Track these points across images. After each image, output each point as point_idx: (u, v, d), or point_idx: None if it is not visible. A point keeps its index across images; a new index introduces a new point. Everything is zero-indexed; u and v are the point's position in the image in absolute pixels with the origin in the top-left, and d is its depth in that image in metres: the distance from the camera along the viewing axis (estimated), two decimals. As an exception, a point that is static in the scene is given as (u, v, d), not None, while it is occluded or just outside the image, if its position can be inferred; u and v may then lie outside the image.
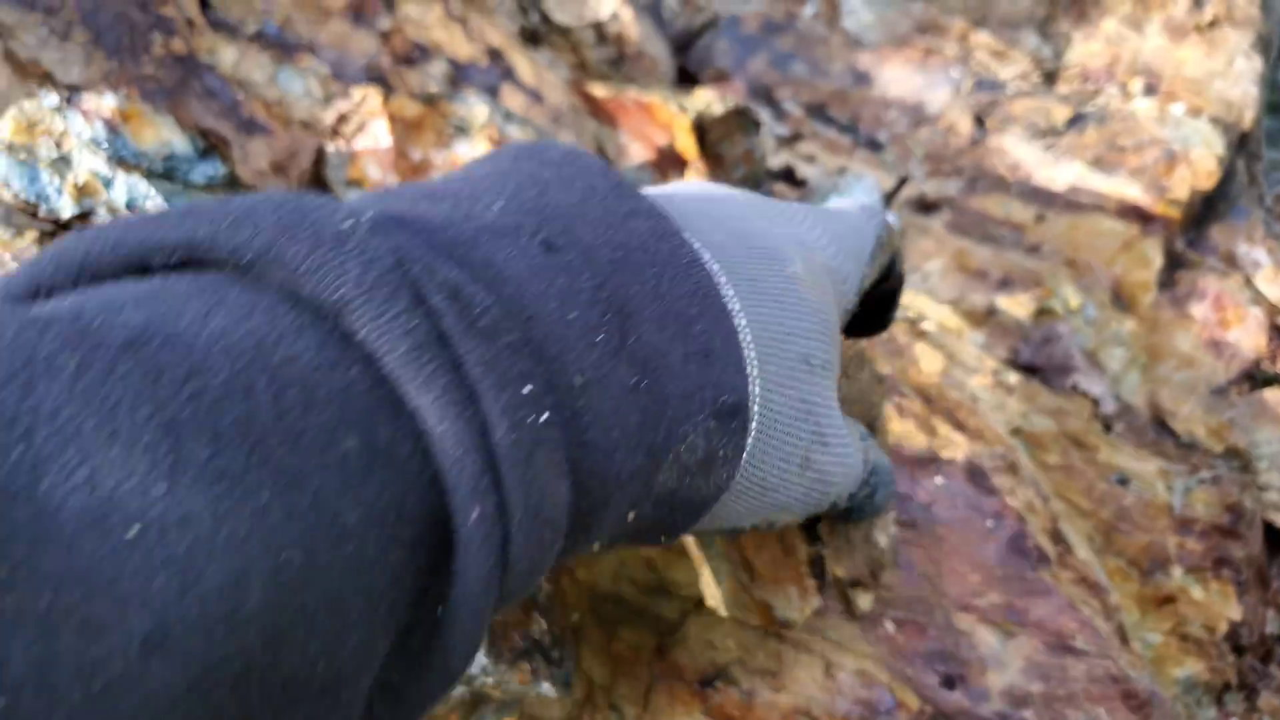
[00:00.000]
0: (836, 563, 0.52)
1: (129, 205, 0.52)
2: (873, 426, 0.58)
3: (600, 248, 0.24)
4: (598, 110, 0.76)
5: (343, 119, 0.60)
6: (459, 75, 0.76)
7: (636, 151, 0.73)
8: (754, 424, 0.28)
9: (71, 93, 0.53)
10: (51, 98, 0.53)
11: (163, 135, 0.54)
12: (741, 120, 0.68)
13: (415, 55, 0.76)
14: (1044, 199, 0.91)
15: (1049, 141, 0.94)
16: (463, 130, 0.62)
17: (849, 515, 0.42)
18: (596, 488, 0.23)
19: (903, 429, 0.65)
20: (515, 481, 0.20)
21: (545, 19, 0.86)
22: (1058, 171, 0.93)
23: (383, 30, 0.76)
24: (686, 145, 0.67)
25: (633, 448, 0.24)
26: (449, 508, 0.20)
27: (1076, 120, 0.95)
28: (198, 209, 0.20)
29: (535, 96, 0.77)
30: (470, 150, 0.62)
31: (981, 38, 0.95)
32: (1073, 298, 0.85)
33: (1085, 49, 0.97)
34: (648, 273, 0.25)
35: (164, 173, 0.53)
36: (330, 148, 0.60)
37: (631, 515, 0.26)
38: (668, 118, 0.68)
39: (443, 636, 0.20)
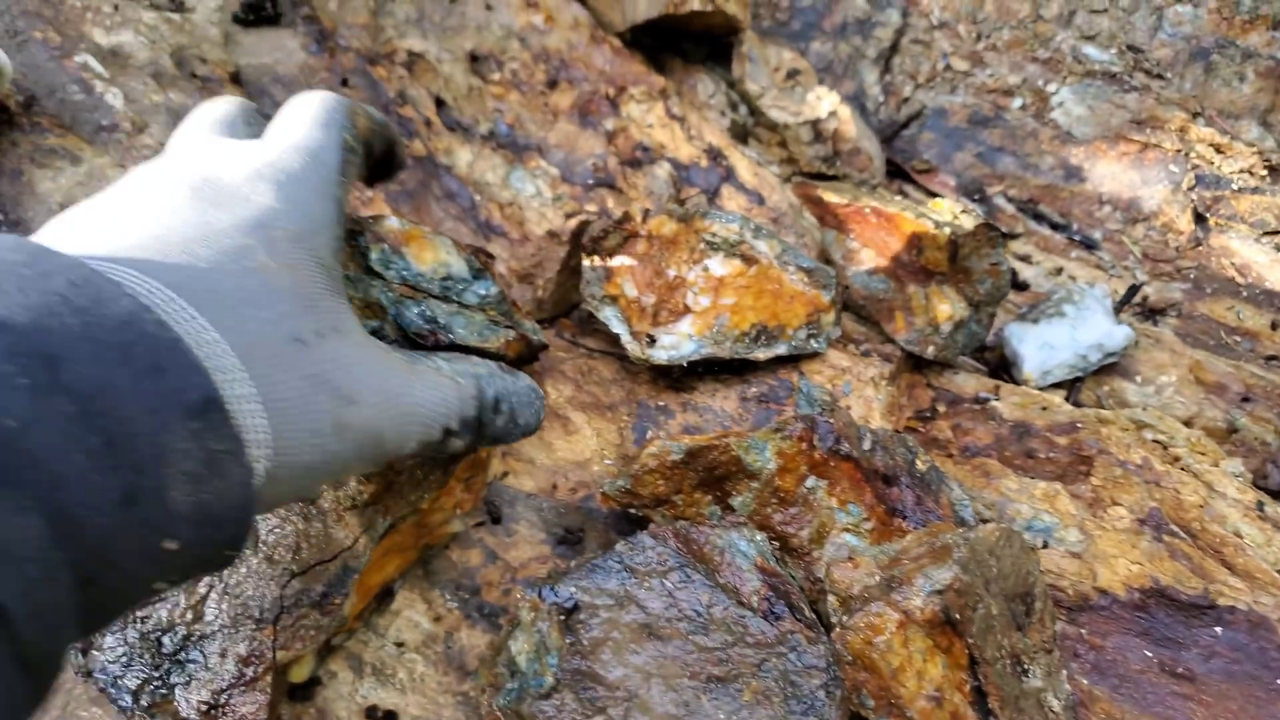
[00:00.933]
0: None
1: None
2: (1030, 594, 0.55)
3: (14, 317, 0.25)
4: (824, 214, 0.74)
5: (603, 235, 0.59)
6: (681, 177, 0.76)
7: (867, 257, 0.71)
8: (247, 417, 0.30)
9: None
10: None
11: (441, 256, 0.54)
12: (989, 233, 0.65)
13: (640, 156, 0.75)
14: (1279, 304, 0.85)
15: (1279, 241, 0.88)
16: (714, 247, 0.60)
17: (482, 441, 0.42)
18: (77, 508, 0.25)
19: (1175, 570, 0.60)
20: None
21: (755, 114, 0.85)
22: (1290, 273, 0.86)
23: (608, 131, 0.76)
24: (937, 259, 0.64)
25: (110, 467, 0.25)
26: None
27: (1306, 218, 0.89)
28: None
29: (757, 198, 0.75)
30: (720, 267, 0.61)
31: (1202, 131, 0.90)
32: (1318, 414, 0.79)
33: (1311, 141, 0.92)
34: (73, 319, 0.26)
35: (440, 293, 0.52)
36: (586, 263, 0.60)
37: (173, 544, 0.28)
38: (913, 229, 0.65)
39: None
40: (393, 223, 0.54)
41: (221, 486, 0.29)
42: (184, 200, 0.34)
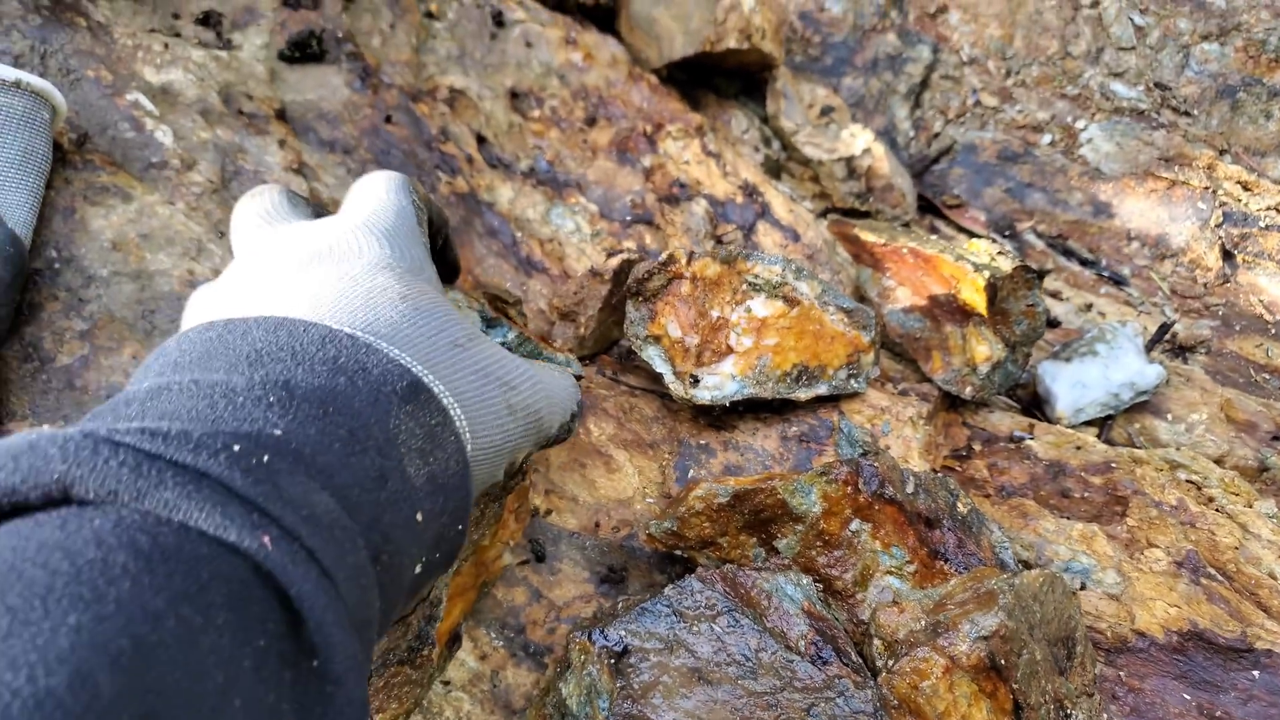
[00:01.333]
0: None
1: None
2: (1071, 639, 0.55)
3: (238, 365, 0.30)
4: (860, 252, 0.75)
5: (647, 277, 0.60)
6: (718, 213, 0.76)
7: (903, 296, 0.71)
8: (449, 401, 0.35)
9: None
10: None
11: None
12: (1026, 275, 0.65)
13: (677, 193, 0.76)
14: (1305, 341, 0.86)
15: (1305, 278, 0.88)
16: (756, 288, 0.61)
17: (566, 436, 0.49)
18: (350, 489, 0.29)
19: (1212, 613, 0.61)
20: (273, 497, 0.25)
21: (788, 150, 0.86)
22: (1317, 311, 0.87)
23: (646, 167, 0.77)
24: (975, 300, 0.65)
25: (359, 451, 0.30)
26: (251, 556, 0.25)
27: (1333, 255, 0.89)
28: None
29: (792, 234, 0.76)
30: (763, 308, 0.61)
31: (1229, 168, 0.90)
32: (1349, 452, 0.79)
33: (1338, 178, 0.92)
34: (283, 353, 0.31)
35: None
36: (629, 304, 0.60)
37: (420, 516, 0.32)
38: (953, 271, 0.66)
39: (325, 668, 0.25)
40: None
41: (443, 457, 0.34)
42: (314, 265, 0.38)
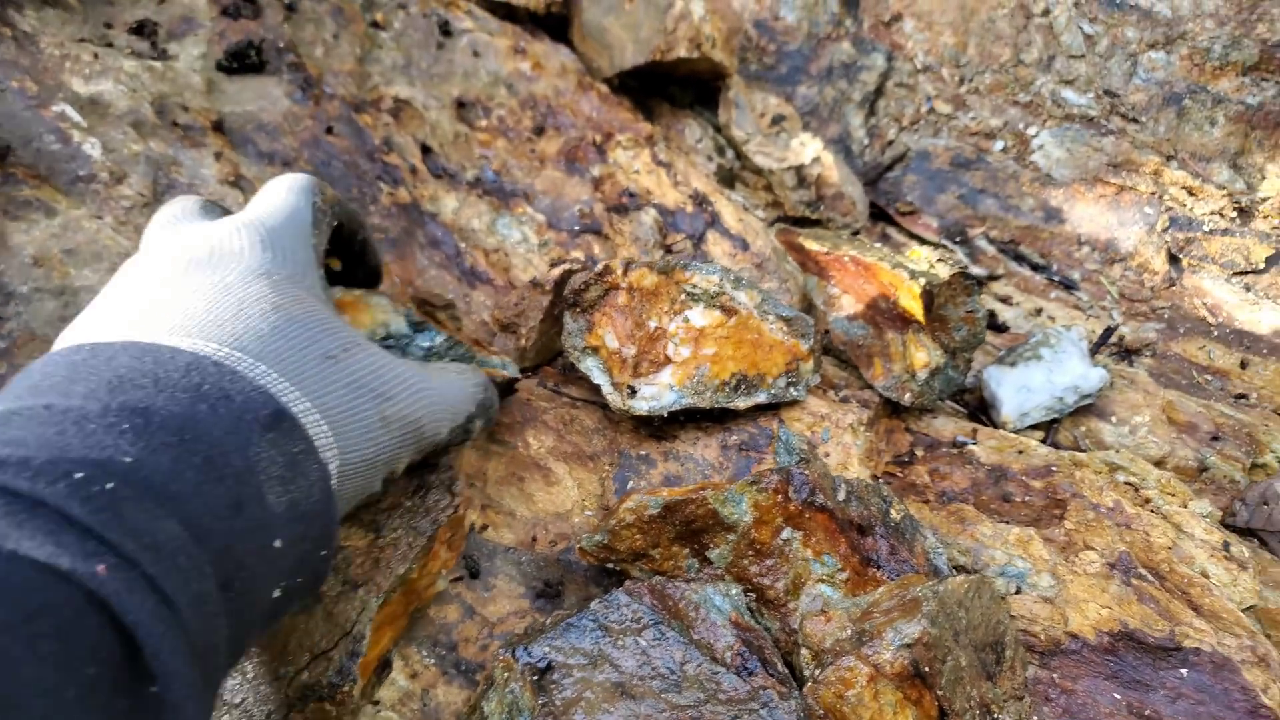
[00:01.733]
0: None
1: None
2: (1000, 643, 0.56)
3: (97, 391, 0.30)
4: (806, 260, 0.75)
5: (584, 288, 0.60)
6: (667, 222, 0.77)
7: (847, 303, 0.72)
8: (314, 419, 0.35)
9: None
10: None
11: (378, 317, 0.55)
12: (965, 282, 0.66)
13: (626, 202, 0.76)
14: (1248, 343, 0.87)
15: (1248, 281, 0.90)
16: (694, 298, 0.61)
17: (488, 422, 0.51)
18: (202, 516, 0.29)
19: (1142, 613, 0.61)
20: (112, 524, 0.25)
21: (740, 158, 0.86)
22: (1260, 314, 0.88)
23: (595, 177, 0.77)
24: (912, 307, 0.65)
25: (215, 478, 0.30)
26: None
27: (1277, 258, 0.90)
28: None
29: (741, 243, 0.76)
30: (701, 318, 0.61)
31: (1175, 174, 0.91)
32: (1288, 453, 0.80)
33: (1282, 183, 0.93)
34: (146, 379, 0.31)
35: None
36: (567, 315, 0.60)
37: (279, 542, 0.32)
38: (890, 279, 0.66)
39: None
40: (334, 292, 0.55)
41: (305, 484, 0.34)
42: (192, 271, 0.38)
